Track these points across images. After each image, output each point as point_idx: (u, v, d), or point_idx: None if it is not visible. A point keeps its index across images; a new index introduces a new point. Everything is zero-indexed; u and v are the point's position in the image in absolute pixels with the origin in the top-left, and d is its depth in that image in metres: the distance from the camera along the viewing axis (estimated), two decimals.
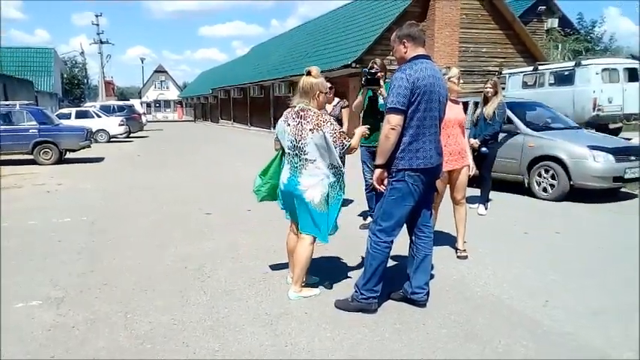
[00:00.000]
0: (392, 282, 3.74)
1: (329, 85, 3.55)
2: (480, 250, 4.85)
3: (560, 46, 25.54)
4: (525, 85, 15.59)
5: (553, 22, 26.93)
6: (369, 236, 3.35)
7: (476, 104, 7.17)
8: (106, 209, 7.01)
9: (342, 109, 6.32)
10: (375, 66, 5.07)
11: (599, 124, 13.94)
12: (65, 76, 37.51)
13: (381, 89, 4.99)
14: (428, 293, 3.50)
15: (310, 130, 3.38)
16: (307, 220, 3.53)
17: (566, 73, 14.28)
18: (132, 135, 23.53)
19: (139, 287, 3.90)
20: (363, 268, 3.42)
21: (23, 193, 8.54)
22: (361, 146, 5.39)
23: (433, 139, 3.24)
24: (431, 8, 18.14)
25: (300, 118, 3.43)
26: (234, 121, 35.76)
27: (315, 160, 3.42)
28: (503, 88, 16.02)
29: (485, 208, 6.62)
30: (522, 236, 5.39)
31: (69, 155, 13.75)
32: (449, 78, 4.46)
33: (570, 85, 13.88)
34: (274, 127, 23.70)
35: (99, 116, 20.88)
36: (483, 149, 6.43)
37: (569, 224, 5.91)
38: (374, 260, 3.29)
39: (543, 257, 4.63)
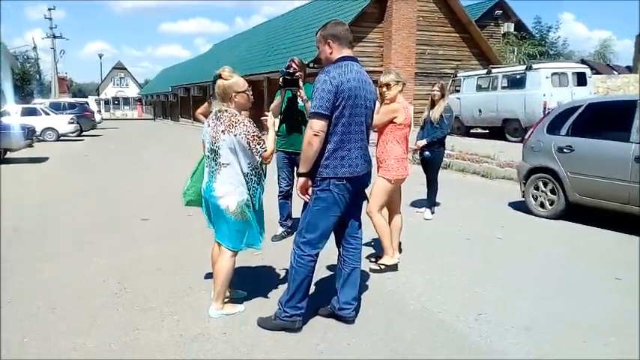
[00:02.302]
0: (321, 295, 3.56)
1: (245, 83, 3.30)
2: (420, 258, 4.73)
3: (515, 50, 26.11)
4: (479, 87, 15.79)
5: (509, 27, 27.50)
6: (293, 249, 3.14)
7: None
8: (33, 216, 6.55)
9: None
10: (294, 65, 4.85)
11: None
12: (16, 71, 35.82)
13: (300, 90, 4.70)
14: (357, 309, 3.32)
15: (222, 131, 3.15)
16: (224, 230, 3.30)
17: (517, 76, 14.52)
18: (84, 133, 22.63)
19: (46, 306, 3.56)
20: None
21: None
22: (278, 150, 5.15)
23: (360, 146, 3.05)
24: (388, 9, 18.20)
25: (217, 120, 3.21)
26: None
27: (229, 164, 3.19)
28: (458, 90, 16.22)
29: (432, 213, 6.54)
30: (465, 243, 5.31)
31: (10, 155, 13.00)
32: (379, 83, 4.27)
33: (522, 88, 14.12)
34: None
35: (47, 114, 19.94)
36: (426, 153, 6.33)
37: (514, 228, 5.88)
38: (297, 275, 3.08)
39: (483, 266, 4.54)
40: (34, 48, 41.01)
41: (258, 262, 4.47)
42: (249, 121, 3.20)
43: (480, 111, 15.54)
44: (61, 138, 19.81)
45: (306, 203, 3.11)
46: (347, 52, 3.07)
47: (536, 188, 6.55)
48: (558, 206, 6.26)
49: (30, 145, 12.87)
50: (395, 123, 4.25)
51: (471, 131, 16.63)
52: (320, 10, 22.50)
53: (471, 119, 16.06)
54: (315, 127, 2.88)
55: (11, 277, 4.14)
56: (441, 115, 6.29)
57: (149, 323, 3.29)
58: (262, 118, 3.31)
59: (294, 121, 4.94)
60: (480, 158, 10.80)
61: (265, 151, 3.19)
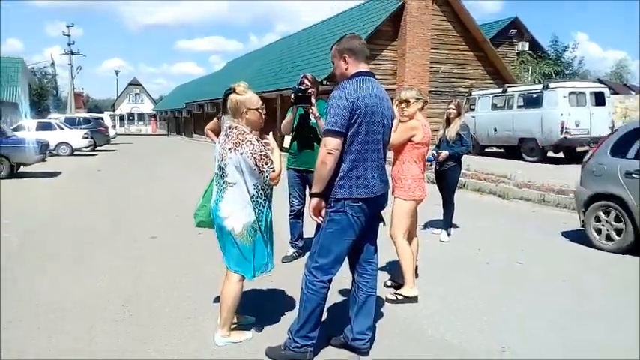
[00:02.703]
0: (334, 323, 3.36)
1: (259, 100, 3.16)
2: (437, 282, 4.51)
3: (530, 69, 25.91)
4: (494, 106, 15.61)
5: (524, 46, 27.40)
6: (304, 274, 2.95)
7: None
8: (43, 231, 6.45)
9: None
10: (306, 81, 4.71)
11: (567, 147, 13.97)
12: (34, 87, 36.39)
13: (313, 107, 4.53)
14: (372, 339, 3.11)
15: (229, 149, 3.00)
16: (230, 253, 3.13)
17: (534, 95, 14.32)
18: (98, 148, 22.78)
19: (44, 325, 3.41)
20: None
21: None
22: (289, 169, 4.99)
23: (376, 166, 2.88)
24: (402, 28, 18.18)
25: (226, 137, 3.06)
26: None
27: (235, 184, 3.02)
28: (473, 109, 16.04)
29: (448, 235, 6.31)
30: (484, 267, 5.08)
31: (25, 169, 13.03)
32: (398, 99, 4.12)
33: (538, 107, 13.91)
34: None
35: (62, 129, 20.09)
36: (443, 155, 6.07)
37: (536, 252, 5.63)
38: (309, 302, 2.89)
39: (504, 292, 4.30)
40: (52, 64, 41.81)
41: (268, 285, 4.28)
42: (257, 140, 3.04)
43: (495, 130, 15.33)
44: (75, 153, 19.93)
45: (319, 225, 2.94)
46: (364, 67, 2.92)
47: (597, 220, 5.83)
48: (626, 239, 5.47)
49: (43, 160, 12.89)
50: (413, 142, 4.07)
51: (486, 150, 16.39)
52: (334, 27, 22.59)
53: (486, 138, 15.84)
54: (330, 145, 2.72)
55: (10, 293, 4.01)
56: (458, 134, 6.11)
57: (150, 353, 3.10)
58: (264, 141, 3.14)
59: (305, 138, 4.79)
60: (497, 178, 10.57)
61: (273, 171, 3.02)
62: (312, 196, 2.85)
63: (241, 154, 2.94)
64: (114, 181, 11.95)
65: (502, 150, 16.20)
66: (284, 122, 4.89)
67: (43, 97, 38.45)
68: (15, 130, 18.58)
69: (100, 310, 3.74)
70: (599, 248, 5.73)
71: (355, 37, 2.97)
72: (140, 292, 4.15)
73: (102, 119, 26.43)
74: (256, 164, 2.95)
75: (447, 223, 6.37)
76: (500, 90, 15.91)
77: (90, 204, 8.70)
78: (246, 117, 3.06)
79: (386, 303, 3.98)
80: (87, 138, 20.44)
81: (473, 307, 3.93)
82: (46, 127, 19.72)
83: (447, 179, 6.28)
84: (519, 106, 14.73)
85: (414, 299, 4.03)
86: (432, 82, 18.97)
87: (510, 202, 9.12)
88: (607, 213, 5.71)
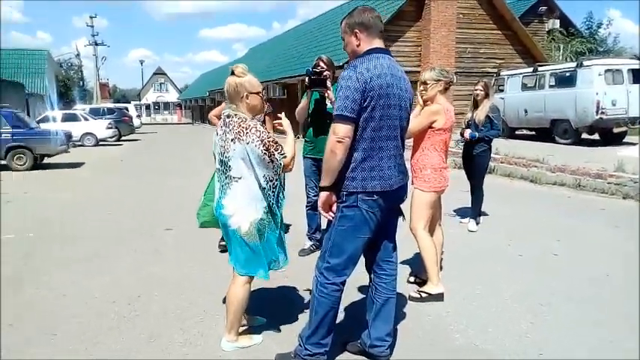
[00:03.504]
0: (350, 327, 3.08)
1: (257, 81, 2.87)
2: (465, 277, 4.17)
3: (562, 47, 24.83)
4: (524, 86, 14.96)
5: (554, 23, 26.22)
6: (315, 276, 2.67)
7: None
8: (60, 225, 6.33)
9: (266, 116, 4.92)
10: (321, 64, 4.38)
11: (602, 128, 13.27)
12: (60, 78, 36.91)
13: (329, 91, 4.21)
14: (392, 346, 2.82)
15: (232, 140, 2.70)
16: (237, 253, 2.85)
17: (567, 74, 13.61)
18: (123, 138, 22.92)
19: (48, 330, 3.22)
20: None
21: None
22: (305, 157, 4.69)
23: (393, 154, 2.56)
24: (426, 7, 17.55)
25: (226, 127, 2.76)
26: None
27: (240, 178, 2.73)
28: (501, 90, 15.40)
29: (477, 224, 5.94)
30: (516, 260, 4.70)
31: (48, 160, 13.11)
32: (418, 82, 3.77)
33: (572, 86, 13.22)
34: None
35: (86, 119, 20.24)
36: (469, 133, 5.68)
37: (573, 243, 5.21)
38: (320, 307, 2.61)
39: (539, 289, 3.94)
40: (77, 55, 42.32)
41: (282, 282, 4.02)
42: (262, 126, 2.76)
43: (525, 111, 14.69)
44: (100, 143, 20.07)
45: (330, 222, 2.64)
46: (377, 44, 2.58)
47: None
48: None
49: (66, 151, 12.91)
50: (433, 128, 3.71)
51: (516, 133, 15.76)
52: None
53: (515, 120, 15.21)
54: (339, 132, 2.40)
55: (20, 293, 3.86)
56: (488, 116, 5.69)
57: (152, 355, 2.89)
58: (276, 122, 2.85)
59: (321, 124, 4.47)
60: (528, 162, 10.07)
61: (285, 157, 2.73)
62: (321, 189, 2.55)
63: (247, 143, 2.65)
64: (134, 171, 11.87)
65: (533, 132, 15.54)
66: (298, 108, 4.58)
67: (70, 88, 39.01)
68: (41, 121, 18.86)
69: (106, 310, 3.55)
70: None
71: (368, 9, 2.62)
72: (151, 289, 3.95)
73: (126, 109, 26.61)
74: (267, 151, 2.66)
75: (475, 211, 5.99)
76: (530, 69, 15.20)
77: (108, 195, 8.59)
78: (246, 102, 2.76)
79: (409, 302, 3.68)
80: (111, 128, 20.54)
81: (504, 307, 3.58)
82: (72, 118, 19.90)
83: (475, 164, 5.88)
84: (551, 86, 14.03)
85: (439, 297, 3.71)
86: (459, 63, 18.31)
87: (543, 188, 8.64)
88: None
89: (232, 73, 2.78)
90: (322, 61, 4.49)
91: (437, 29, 17.47)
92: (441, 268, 4.09)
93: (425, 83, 3.76)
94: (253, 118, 2.78)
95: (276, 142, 2.71)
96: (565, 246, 5.09)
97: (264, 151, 2.65)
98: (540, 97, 14.19)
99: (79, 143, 18.88)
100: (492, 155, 6.32)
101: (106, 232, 5.88)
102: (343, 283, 2.63)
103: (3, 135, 11.71)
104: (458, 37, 18.02)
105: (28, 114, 25.60)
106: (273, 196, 2.79)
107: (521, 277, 4.20)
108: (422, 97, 3.82)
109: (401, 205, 2.79)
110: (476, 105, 5.83)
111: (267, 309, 3.49)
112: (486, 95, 5.74)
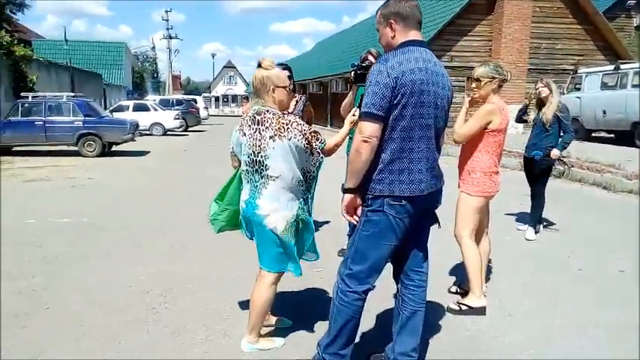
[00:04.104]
0: (374, 337, 2.90)
1: (287, 75, 2.75)
2: (514, 291, 3.84)
3: None
4: (604, 85, 13.86)
5: None
6: (336, 282, 2.50)
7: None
8: (114, 210, 6.58)
9: (305, 107, 4.87)
10: (370, 57, 4.14)
11: None
12: (136, 69, 38.90)
13: None
14: None
15: (271, 137, 2.58)
16: (270, 252, 2.74)
17: None
18: (189, 129, 23.70)
19: (77, 317, 3.28)
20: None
21: (47, 187, 8.37)
22: (349, 154, 4.48)
23: (425, 157, 2.33)
24: (499, 0, 16.62)
25: (258, 124, 2.63)
26: None
27: (278, 177, 2.61)
28: (578, 89, 14.41)
29: (536, 232, 5.51)
30: (576, 275, 4.28)
31: (117, 148, 13.77)
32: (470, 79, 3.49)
33: None
34: (331, 125, 22.91)
35: (156, 110, 21.09)
36: (535, 152, 5.31)
37: None
38: (340, 315, 2.44)
39: (600, 309, 3.54)
40: (153, 48, 44.32)
41: (317, 283, 3.89)
42: (299, 118, 2.68)
43: (604, 112, 13.60)
44: (168, 133, 20.84)
45: (354, 226, 2.46)
46: (414, 35, 2.36)
47: None
48: None
49: (132, 139, 13.47)
50: (487, 129, 3.41)
51: (593, 135, 14.66)
52: (424, 3, 21.35)
53: (592, 121, 14.13)
54: (366, 131, 2.21)
55: (60, 279, 3.99)
56: (556, 116, 5.23)
57: (171, 354, 2.84)
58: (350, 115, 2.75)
59: None
60: (602, 167, 9.27)
61: (324, 145, 2.65)
62: (344, 191, 2.37)
63: (289, 139, 2.56)
64: (195, 162, 12.17)
65: (612, 135, 14.38)
66: (343, 103, 4.40)
67: (144, 80, 40.99)
68: (115, 110, 19.90)
69: (138, 301, 3.58)
70: None
71: None
72: (184, 282, 3.95)
73: (194, 101, 27.48)
74: (309, 145, 2.60)
75: (534, 218, 5.56)
76: (611, 67, 14.05)
77: (166, 184, 8.83)
78: (273, 95, 2.65)
79: (447, 313, 3.43)
80: (178, 119, 21.25)
81: (555, 327, 3.24)
82: (142, 108, 20.82)
83: (537, 168, 5.44)
84: (634, 86, 12.88)
85: (480, 311, 3.42)
86: (532, 59, 17.29)
87: (617, 196, 7.91)
88: None
89: (259, 66, 2.66)
90: (371, 54, 4.28)
91: (509, 23, 16.56)
92: (487, 279, 3.79)
93: (478, 80, 3.47)
94: (289, 113, 2.69)
95: (317, 132, 2.65)
96: (635, 263, 4.58)
97: (306, 145, 2.60)
98: (622, 98, 13.08)
99: (148, 132, 19.70)
100: (562, 158, 5.82)
101: (153, 220, 6.02)
102: (366, 292, 2.44)
103: (75, 123, 12.39)
104: (532, 32, 16.98)
105: (105, 103, 27.20)
106: (309, 188, 2.75)
107: (579, 295, 3.80)
108: (473, 95, 3.53)
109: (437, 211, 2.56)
110: (541, 104, 5.39)
111: (298, 311, 3.37)
112: (551, 92, 5.28)
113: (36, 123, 12.22)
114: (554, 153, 5.29)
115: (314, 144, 2.61)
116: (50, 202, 7.08)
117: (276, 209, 2.64)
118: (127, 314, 3.34)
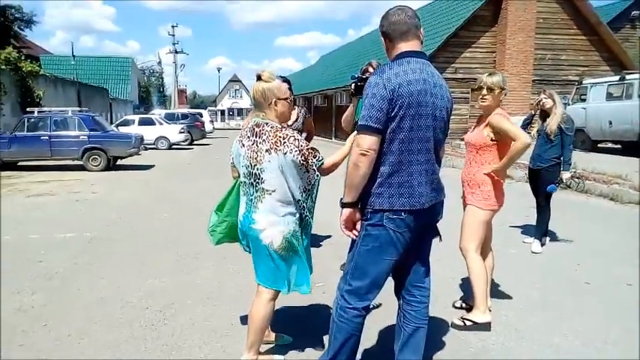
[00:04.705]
0: (380, 354, 2.83)
1: (287, 87, 2.72)
2: (520, 305, 3.76)
3: None
4: (610, 96, 13.79)
5: None
6: (336, 298, 2.45)
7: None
8: (117, 225, 6.56)
9: (306, 120, 4.89)
10: (371, 69, 4.10)
11: None
12: (142, 84, 39.25)
13: None
14: None
15: (267, 150, 2.53)
16: (266, 268, 2.68)
17: None
18: (195, 142, 23.78)
19: (76, 334, 3.24)
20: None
21: (52, 201, 8.38)
22: None
23: (424, 170, 2.29)
24: (503, 12, 16.73)
25: (256, 137, 2.59)
26: None
27: (274, 191, 2.56)
28: (584, 100, 14.35)
29: (542, 245, 5.42)
30: (583, 288, 4.20)
31: (122, 162, 13.82)
32: (479, 83, 3.45)
33: None
34: (335, 137, 22.93)
35: (161, 123, 21.21)
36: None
37: None
38: (339, 333, 2.38)
39: (608, 325, 3.45)
40: (159, 63, 44.75)
41: (317, 298, 3.82)
42: (298, 134, 2.62)
43: (610, 123, 13.51)
44: (173, 146, 20.92)
45: (353, 241, 2.42)
46: (411, 46, 2.31)
47: None
48: None
49: (137, 153, 13.52)
50: (498, 140, 3.37)
51: (599, 146, 14.55)
52: (429, 14, 21.43)
53: (599, 132, 14.04)
54: (364, 144, 2.18)
55: (60, 295, 3.96)
56: (559, 127, 5.18)
57: None
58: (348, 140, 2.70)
59: None
60: (609, 178, 9.17)
61: (322, 163, 2.57)
62: (343, 205, 2.33)
63: (285, 153, 2.49)
64: (199, 175, 12.16)
65: (618, 146, 14.28)
66: (344, 116, 4.36)
67: (150, 94, 41.33)
68: (121, 124, 20.01)
69: (137, 317, 3.53)
70: None
71: (402, 8, 2.33)
72: (185, 296, 3.91)
73: (200, 115, 27.63)
74: (305, 161, 2.51)
75: (540, 230, 5.48)
76: (617, 78, 14.00)
77: (170, 197, 8.82)
78: (274, 108, 2.61)
79: (450, 329, 3.36)
80: (183, 132, 21.34)
81: (562, 344, 3.16)
82: (148, 122, 20.95)
83: (542, 181, 5.37)
84: None
85: (485, 327, 3.35)
86: (537, 70, 17.27)
87: (624, 207, 7.81)
88: None
89: (259, 79, 2.63)
90: (372, 66, 4.25)
91: (513, 34, 16.59)
92: (492, 293, 3.71)
93: (490, 89, 3.41)
94: (287, 127, 2.63)
95: (314, 149, 2.57)
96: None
97: (302, 161, 2.51)
98: (627, 108, 13.00)
99: (153, 146, 19.79)
100: (574, 175, 5.77)
101: (157, 234, 5.99)
102: (366, 309, 2.39)
103: (80, 137, 12.46)
104: (537, 43, 16.99)
105: (112, 117, 27.38)
106: (309, 207, 2.66)
107: (587, 309, 3.72)
108: (483, 103, 3.47)
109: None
110: (544, 115, 5.35)
111: (299, 327, 3.31)
112: (554, 103, 5.23)
113: (41, 138, 12.30)
114: (565, 176, 5.29)
115: (310, 161, 2.53)
116: (54, 216, 7.08)
117: (272, 223, 2.58)
118: (125, 331, 3.29)
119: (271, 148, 2.52)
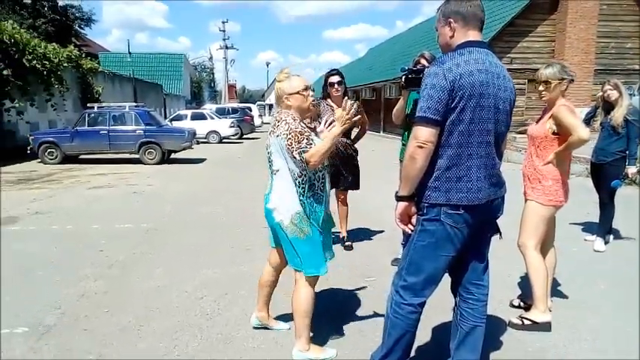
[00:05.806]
0: (436, 352, 2.77)
1: (302, 82, 2.76)
2: (582, 306, 3.59)
3: None
4: None
5: None
6: (390, 294, 2.42)
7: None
8: (172, 216, 6.76)
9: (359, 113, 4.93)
10: (422, 61, 3.99)
11: None
12: (194, 79, 40.28)
13: None
14: None
15: (270, 133, 2.76)
16: (289, 251, 2.79)
17: None
18: (244, 136, 24.18)
19: (135, 321, 3.36)
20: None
21: (110, 193, 8.75)
22: (402, 161, 4.32)
23: (484, 164, 2.20)
24: None
25: (273, 125, 2.80)
26: None
27: (278, 171, 2.73)
28: None
29: (606, 243, 5.16)
30: None
31: (175, 155, 14.24)
32: (537, 78, 3.30)
33: None
34: (384, 131, 22.74)
35: (212, 118, 21.69)
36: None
37: None
38: (394, 329, 2.35)
39: None
40: (210, 58, 45.73)
41: (368, 292, 3.78)
42: (294, 119, 2.67)
43: None
44: (223, 140, 21.35)
45: (409, 236, 2.37)
46: (474, 36, 2.23)
47: None
48: None
49: (190, 147, 13.88)
50: (560, 133, 3.22)
51: None
52: (483, 2, 20.77)
53: None
54: (421, 136, 2.12)
55: (120, 283, 4.12)
56: (626, 119, 4.89)
57: (224, 358, 2.85)
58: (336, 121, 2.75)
59: None
60: None
61: (305, 151, 2.57)
62: (398, 199, 2.28)
63: (277, 135, 2.65)
64: (250, 168, 12.34)
65: None
66: (395, 109, 4.29)
67: (201, 89, 42.35)
68: (174, 119, 20.62)
69: (193, 306, 3.63)
70: None
71: None
72: (238, 287, 3.98)
73: (249, 109, 28.03)
74: (289, 146, 2.59)
75: (604, 228, 5.21)
76: None
77: (221, 190, 9.00)
78: (287, 103, 2.74)
79: (508, 328, 3.24)
80: (233, 127, 21.73)
81: (623, 347, 2.99)
82: (199, 117, 21.47)
83: (606, 176, 5.09)
84: None
85: (545, 327, 3.22)
86: (599, 59, 16.40)
87: None
88: None
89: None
90: (424, 57, 4.15)
91: (574, 22, 15.80)
92: (552, 293, 3.56)
93: (547, 82, 3.26)
94: (299, 117, 2.73)
95: (302, 134, 2.60)
96: None
97: (287, 145, 2.60)
98: None
99: (205, 140, 20.28)
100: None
101: (210, 226, 6.12)
102: (421, 305, 2.34)
103: (137, 131, 12.93)
104: (599, 31, 16.11)
105: (165, 112, 28.27)
106: (303, 191, 2.68)
107: None
108: (541, 98, 3.34)
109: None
110: (608, 107, 5.06)
111: (349, 321, 3.30)
112: (620, 94, 4.94)
113: (101, 132, 12.86)
114: (632, 171, 5.00)
115: (294, 145, 2.57)
116: (113, 208, 7.38)
117: (281, 203, 2.71)
118: (182, 319, 3.39)
119: (271, 131, 2.72)
